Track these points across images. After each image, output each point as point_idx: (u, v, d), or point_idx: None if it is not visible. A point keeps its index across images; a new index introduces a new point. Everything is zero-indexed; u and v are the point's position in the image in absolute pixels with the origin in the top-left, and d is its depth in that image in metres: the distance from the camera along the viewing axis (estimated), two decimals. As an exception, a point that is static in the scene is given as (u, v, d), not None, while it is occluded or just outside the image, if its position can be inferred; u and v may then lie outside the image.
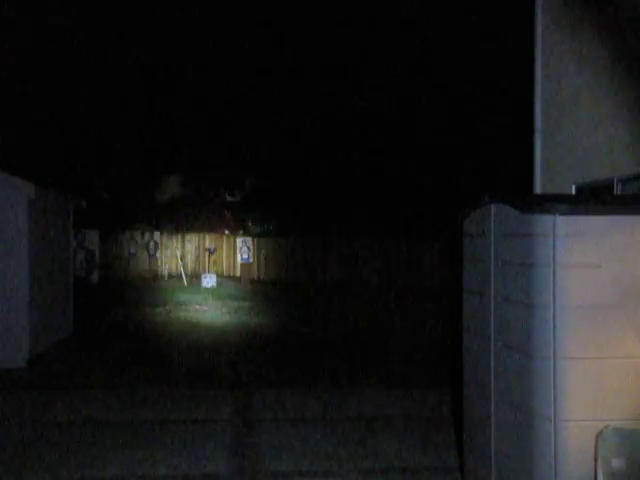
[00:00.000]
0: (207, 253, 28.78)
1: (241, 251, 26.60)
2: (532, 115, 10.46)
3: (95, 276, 26.65)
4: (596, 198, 5.68)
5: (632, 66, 7.92)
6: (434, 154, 27.70)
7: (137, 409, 8.58)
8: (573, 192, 9.15)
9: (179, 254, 29.34)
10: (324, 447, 7.11)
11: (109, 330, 15.26)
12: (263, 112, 31.53)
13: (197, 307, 19.79)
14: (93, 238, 26.96)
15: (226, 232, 30.49)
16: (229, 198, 34.60)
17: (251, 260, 27.03)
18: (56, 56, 27.96)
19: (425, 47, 27.84)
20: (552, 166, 10.01)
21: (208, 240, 30.25)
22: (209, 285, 24.89)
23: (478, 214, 5.25)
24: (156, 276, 29.10)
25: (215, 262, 29.20)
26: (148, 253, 28.85)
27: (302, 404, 8.91)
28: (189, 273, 28.57)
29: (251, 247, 26.87)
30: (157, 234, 29.94)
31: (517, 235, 4.51)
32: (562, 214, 4.19)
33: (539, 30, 10.22)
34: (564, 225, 4.19)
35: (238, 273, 27.96)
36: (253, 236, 28.90)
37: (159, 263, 29.76)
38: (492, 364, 4.90)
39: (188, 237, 30.42)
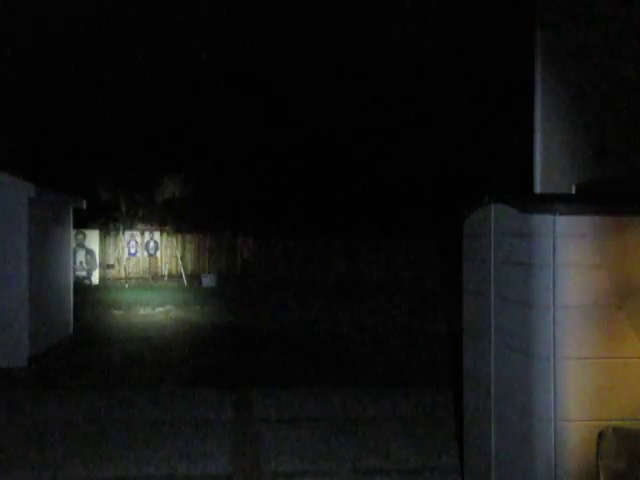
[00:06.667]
0: (207, 253, 28.77)
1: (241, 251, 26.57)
2: (532, 115, 10.46)
3: (95, 276, 26.63)
4: (596, 198, 5.68)
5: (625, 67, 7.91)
6: (434, 154, 27.71)
7: (137, 409, 8.57)
8: (573, 192, 9.15)
9: (179, 254, 29.30)
10: (324, 447, 7.11)
11: (109, 330, 15.25)
12: (262, 111, 31.54)
13: (197, 307, 19.78)
14: (93, 238, 26.95)
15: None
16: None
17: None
18: (56, 55, 27.96)
19: (425, 47, 27.85)
20: (552, 166, 10.01)
21: (208, 240, 30.22)
22: (209, 285, 24.92)
23: (478, 214, 5.24)
24: (156, 276, 29.07)
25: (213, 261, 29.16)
26: (148, 253, 28.83)
27: (302, 404, 8.91)
28: (189, 273, 28.54)
29: (251, 247, 26.86)
30: (157, 234, 29.92)
31: (517, 235, 4.51)
32: (562, 214, 4.19)
33: (539, 29, 10.22)
34: (564, 225, 4.18)
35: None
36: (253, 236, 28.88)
37: (159, 263, 29.73)
38: (492, 364, 4.90)
39: (188, 237, 30.38)
